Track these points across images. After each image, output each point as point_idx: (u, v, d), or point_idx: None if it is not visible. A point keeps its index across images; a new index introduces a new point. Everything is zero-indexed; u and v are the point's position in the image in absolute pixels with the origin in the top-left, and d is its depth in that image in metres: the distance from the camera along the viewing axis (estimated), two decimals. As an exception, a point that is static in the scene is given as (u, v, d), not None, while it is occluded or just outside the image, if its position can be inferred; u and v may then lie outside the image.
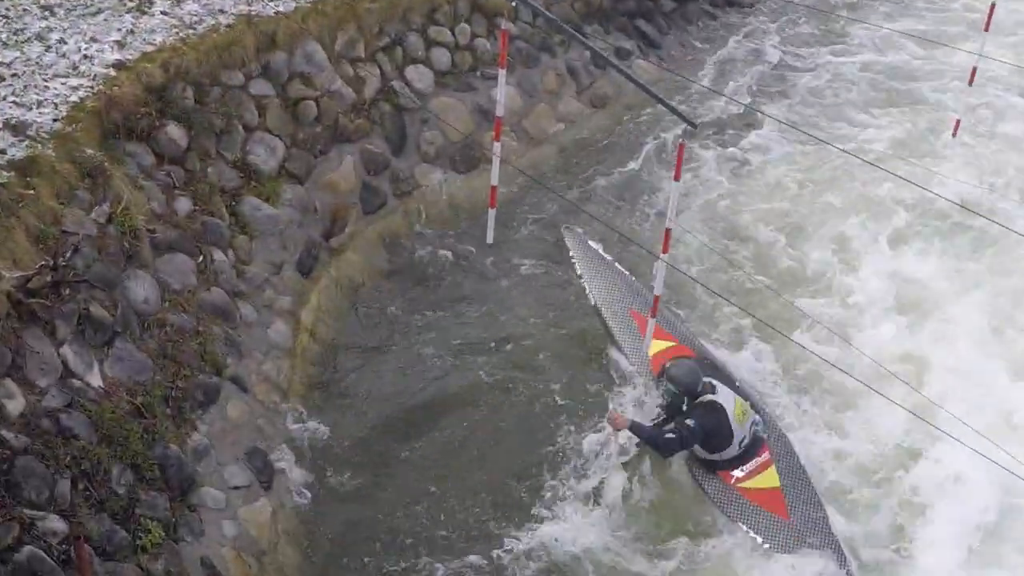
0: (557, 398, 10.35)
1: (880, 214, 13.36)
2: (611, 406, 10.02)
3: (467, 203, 12.93)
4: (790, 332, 10.76)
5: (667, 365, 9.83)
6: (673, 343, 10.50)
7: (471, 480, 9.57)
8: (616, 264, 11.51)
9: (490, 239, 11.85)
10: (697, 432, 9.28)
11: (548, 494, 9.40)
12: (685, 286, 11.55)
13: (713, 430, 9.33)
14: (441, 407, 10.24)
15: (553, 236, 12.53)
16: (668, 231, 9.85)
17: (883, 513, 9.40)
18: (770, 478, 9.47)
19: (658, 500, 9.46)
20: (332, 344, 10.88)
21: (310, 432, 9.79)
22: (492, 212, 11.66)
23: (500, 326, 11.26)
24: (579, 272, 11.39)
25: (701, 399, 9.42)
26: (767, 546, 9.10)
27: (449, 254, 12.22)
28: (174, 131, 10.14)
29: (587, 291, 11.20)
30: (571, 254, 11.60)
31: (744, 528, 9.23)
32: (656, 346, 10.35)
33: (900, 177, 10.78)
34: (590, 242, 11.74)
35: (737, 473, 9.51)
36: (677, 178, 9.62)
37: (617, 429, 9.45)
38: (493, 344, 10.99)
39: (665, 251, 9.95)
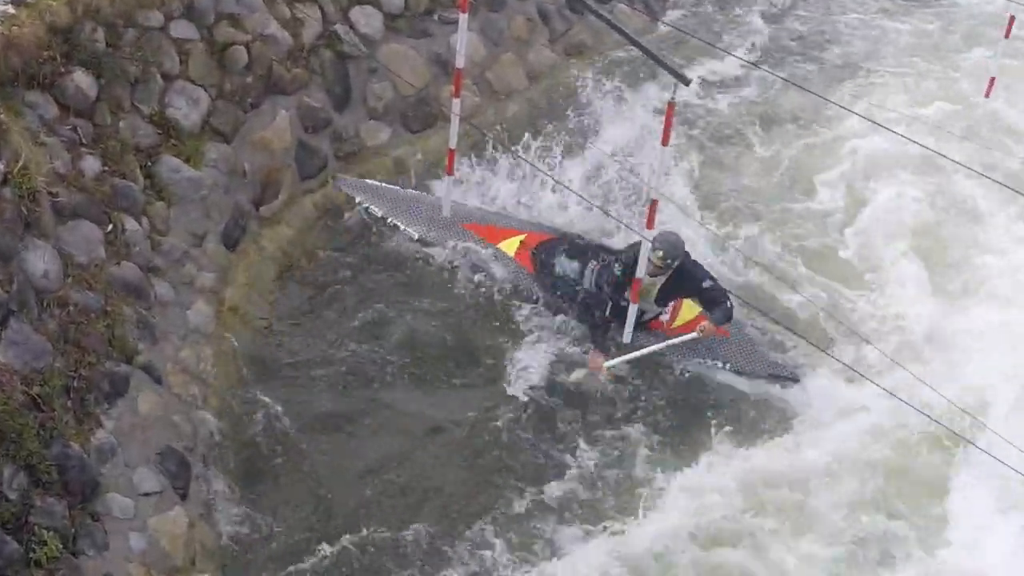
0: (523, 409, 10.47)
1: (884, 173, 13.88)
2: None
3: (420, 168, 12.94)
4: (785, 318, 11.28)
5: (654, 245, 10.48)
6: (523, 234, 11.60)
7: (419, 495, 9.67)
8: (412, 191, 12.12)
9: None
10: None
11: (505, 515, 9.57)
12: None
13: None
14: (386, 415, 10.31)
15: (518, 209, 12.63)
16: (654, 203, 10.02)
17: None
18: (689, 309, 11.19)
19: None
20: (261, 330, 10.91)
21: (235, 432, 9.80)
22: (449, 180, 11.71)
23: (453, 321, 11.32)
24: (380, 214, 11.97)
25: (685, 258, 10.72)
26: (728, 366, 10.97)
27: (398, 228, 12.22)
28: (82, 79, 10.08)
29: (402, 228, 11.77)
30: (359, 201, 12.02)
31: (699, 360, 10.96)
32: (510, 245, 11.43)
33: (922, 146, 10.94)
34: (368, 180, 12.17)
35: (664, 318, 11.17)
36: (665, 143, 9.75)
37: (596, 368, 10.62)
38: (447, 337, 11.07)
39: (650, 226, 10.12)
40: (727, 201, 13.50)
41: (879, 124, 11.02)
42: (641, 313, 10.96)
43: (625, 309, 10.88)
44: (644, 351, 10.70)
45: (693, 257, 10.91)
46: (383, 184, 12.34)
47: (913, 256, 12.51)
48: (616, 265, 10.85)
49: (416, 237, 11.74)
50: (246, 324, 10.86)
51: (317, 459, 9.82)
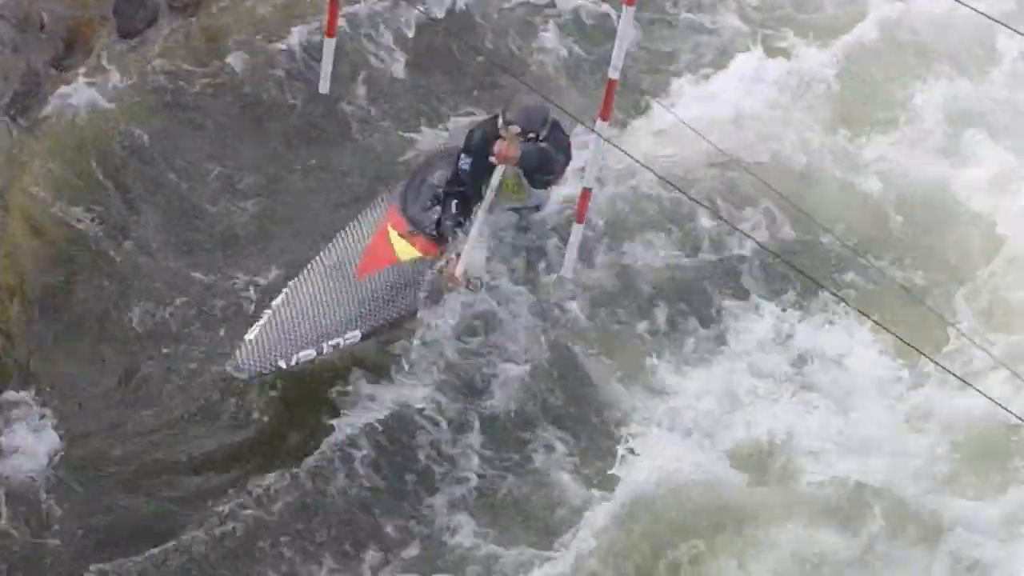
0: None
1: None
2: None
3: (289, 24, 12.78)
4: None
5: (505, 119, 10.75)
6: (387, 226, 11.44)
7: (256, 472, 9.89)
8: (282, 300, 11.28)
9: (324, 88, 11.66)
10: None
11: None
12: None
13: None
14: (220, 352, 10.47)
15: (429, 87, 12.77)
16: (611, 84, 9.86)
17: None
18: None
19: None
20: (65, 239, 10.85)
21: (31, 385, 9.81)
22: (330, 43, 11.38)
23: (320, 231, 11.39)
24: (313, 354, 11.00)
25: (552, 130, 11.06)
26: None
27: (257, 105, 12.29)
28: None
29: (342, 345, 11.12)
30: (283, 367, 10.83)
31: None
32: (403, 248, 11.32)
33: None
34: (256, 330, 10.89)
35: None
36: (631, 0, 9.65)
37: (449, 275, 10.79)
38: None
39: (605, 116, 9.99)
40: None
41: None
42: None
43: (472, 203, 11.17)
44: (477, 224, 10.89)
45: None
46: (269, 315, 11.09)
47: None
48: (463, 156, 11.07)
49: (360, 340, 11.06)
50: (43, 233, 10.76)
51: (140, 418, 9.95)
